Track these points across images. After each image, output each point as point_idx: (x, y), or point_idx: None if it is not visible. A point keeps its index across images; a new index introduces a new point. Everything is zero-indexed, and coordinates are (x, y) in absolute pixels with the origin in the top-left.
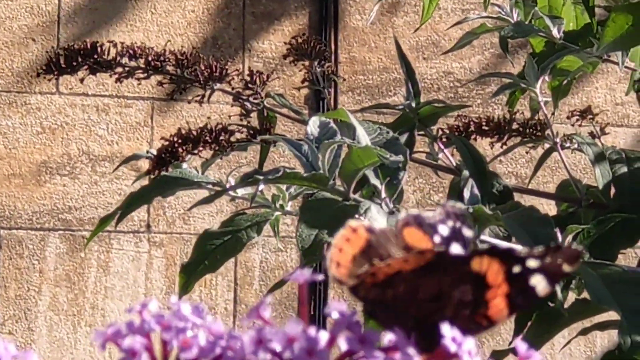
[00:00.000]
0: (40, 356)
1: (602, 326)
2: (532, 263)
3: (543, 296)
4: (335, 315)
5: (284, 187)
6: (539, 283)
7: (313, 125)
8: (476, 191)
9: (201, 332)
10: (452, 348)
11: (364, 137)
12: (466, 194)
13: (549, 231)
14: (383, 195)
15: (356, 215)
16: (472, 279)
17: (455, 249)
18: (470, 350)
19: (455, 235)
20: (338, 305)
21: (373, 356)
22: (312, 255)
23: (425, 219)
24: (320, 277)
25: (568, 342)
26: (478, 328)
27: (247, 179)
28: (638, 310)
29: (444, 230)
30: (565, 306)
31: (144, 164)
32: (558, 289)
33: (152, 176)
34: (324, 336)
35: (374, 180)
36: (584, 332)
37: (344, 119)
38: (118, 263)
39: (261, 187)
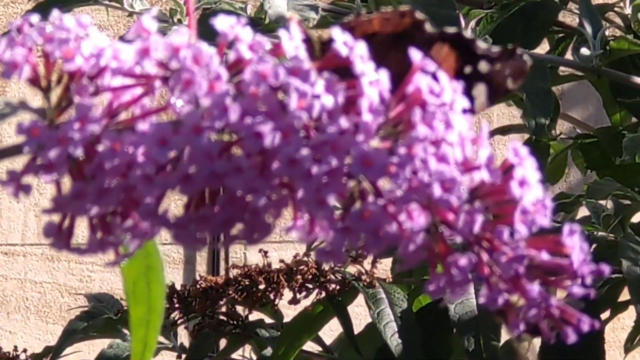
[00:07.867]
0: None
1: (504, 130)
2: (483, 66)
3: (477, 112)
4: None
5: (181, 1)
6: (479, 95)
7: None
8: None
9: (85, 43)
10: (344, 51)
11: None
12: None
13: (450, 12)
14: None
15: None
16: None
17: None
18: (362, 55)
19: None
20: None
21: (264, 60)
22: None
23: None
24: None
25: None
26: None
27: None
28: (541, 92)
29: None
30: None
31: None
32: None
33: None
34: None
35: None
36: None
37: None
38: None
39: None
